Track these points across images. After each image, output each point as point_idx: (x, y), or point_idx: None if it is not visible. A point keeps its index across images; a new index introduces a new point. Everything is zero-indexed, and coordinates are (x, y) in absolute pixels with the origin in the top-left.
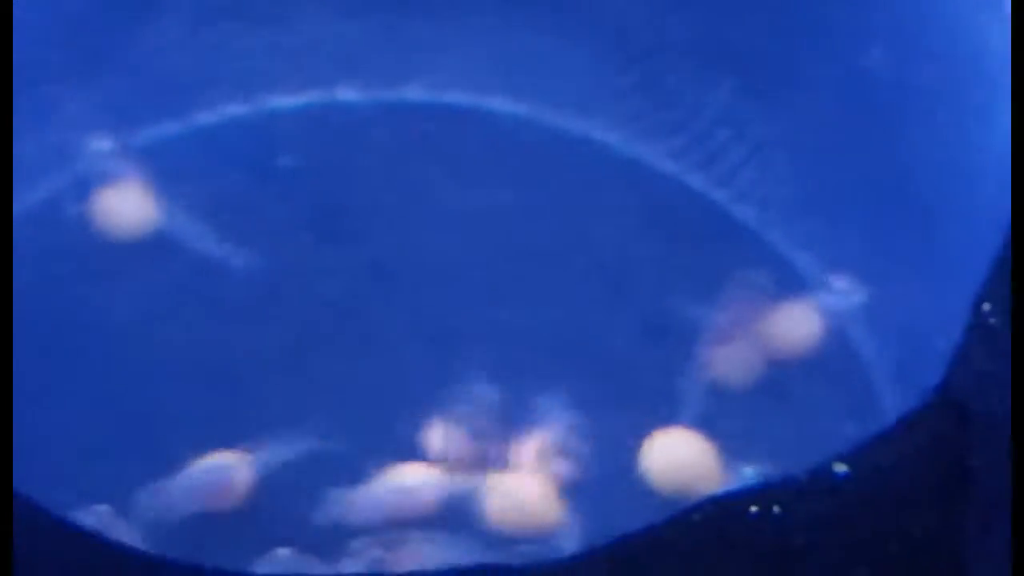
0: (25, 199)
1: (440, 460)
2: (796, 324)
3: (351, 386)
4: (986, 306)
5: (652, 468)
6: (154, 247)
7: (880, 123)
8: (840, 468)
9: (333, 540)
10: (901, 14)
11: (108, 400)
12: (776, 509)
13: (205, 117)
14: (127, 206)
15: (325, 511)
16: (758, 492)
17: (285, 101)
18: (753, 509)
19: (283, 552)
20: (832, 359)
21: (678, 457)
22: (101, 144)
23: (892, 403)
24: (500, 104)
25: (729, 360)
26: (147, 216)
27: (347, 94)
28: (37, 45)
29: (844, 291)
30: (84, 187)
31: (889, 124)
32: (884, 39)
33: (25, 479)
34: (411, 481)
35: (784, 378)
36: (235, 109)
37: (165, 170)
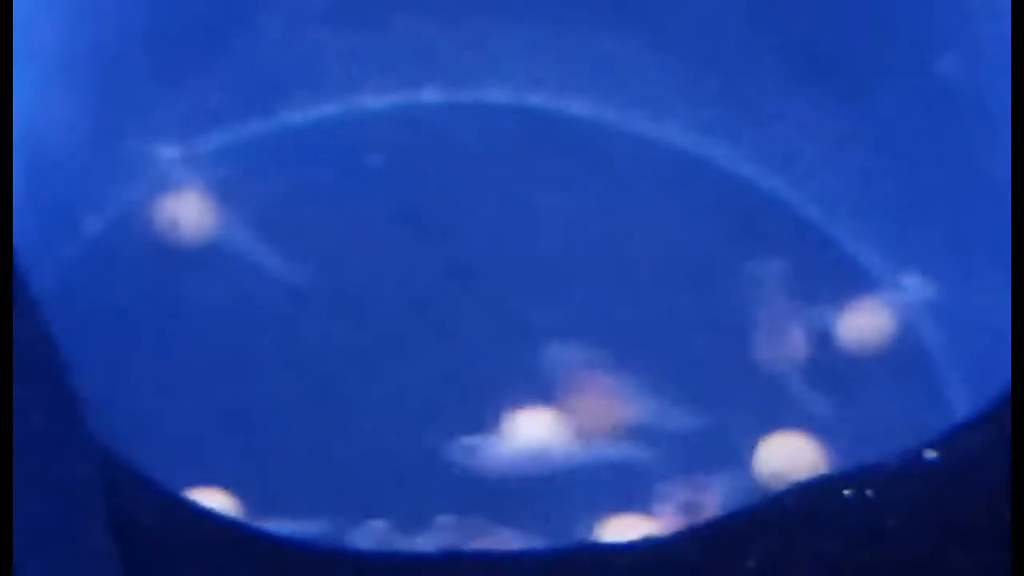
0: (119, 199)
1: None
2: (866, 321)
3: (434, 379)
4: None
5: (766, 471)
6: (238, 243)
7: (954, 125)
8: (930, 454)
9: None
10: (975, 20)
11: (203, 391)
12: (869, 493)
13: (294, 117)
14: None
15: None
16: (851, 476)
17: (372, 102)
18: (846, 492)
19: (377, 524)
20: (902, 356)
21: (793, 461)
22: (188, 146)
23: (960, 400)
24: (579, 107)
25: (780, 352)
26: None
27: (431, 96)
28: (129, 47)
29: (915, 289)
30: (172, 187)
31: (964, 128)
32: (959, 45)
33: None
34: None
35: (854, 374)
36: (324, 110)
37: (255, 166)
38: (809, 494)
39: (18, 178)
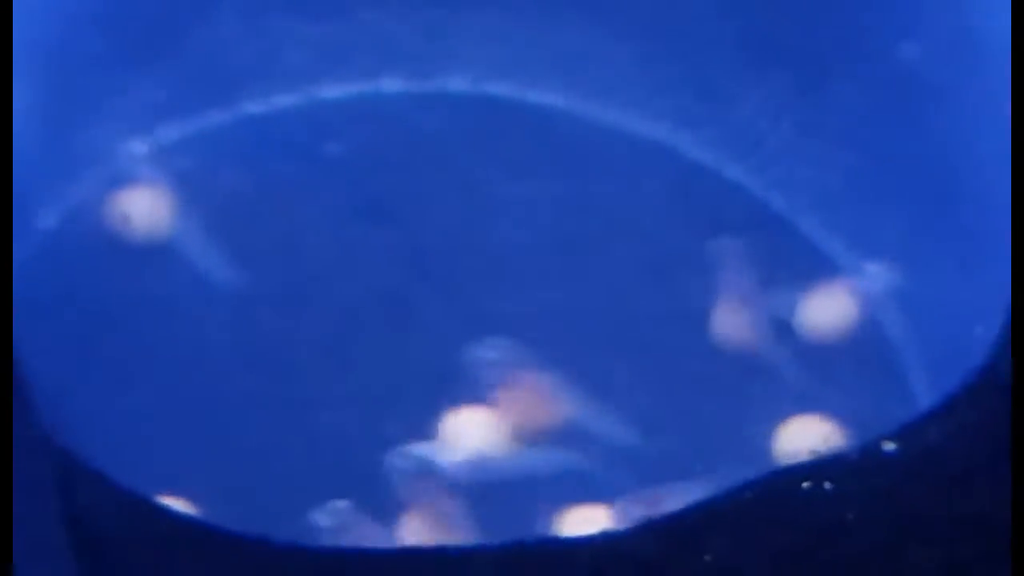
0: (73, 194)
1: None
2: (828, 309)
3: (392, 370)
4: None
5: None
6: (196, 236)
7: (917, 114)
8: (889, 446)
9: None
10: (935, 8)
11: (158, 386)
12: (828, 485)
13: (254, 106)
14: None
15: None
16: (810, 468)
17: (332, 91)
18: (805, 485)
19: (341, 504)
20: (864, 344)
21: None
22: (144, 138)
23: (923, 389)
24: (541, 96)
25: (741, 337)
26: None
27: (392, 85)
28: (85, 36)
29: (877, 277)
30: (128, 180)
31: (926, 115)
32: (919, 33)
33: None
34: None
35: (816, 361)
36: (283, 100)
37: (215, 156)
38: (767, 487)
39: None
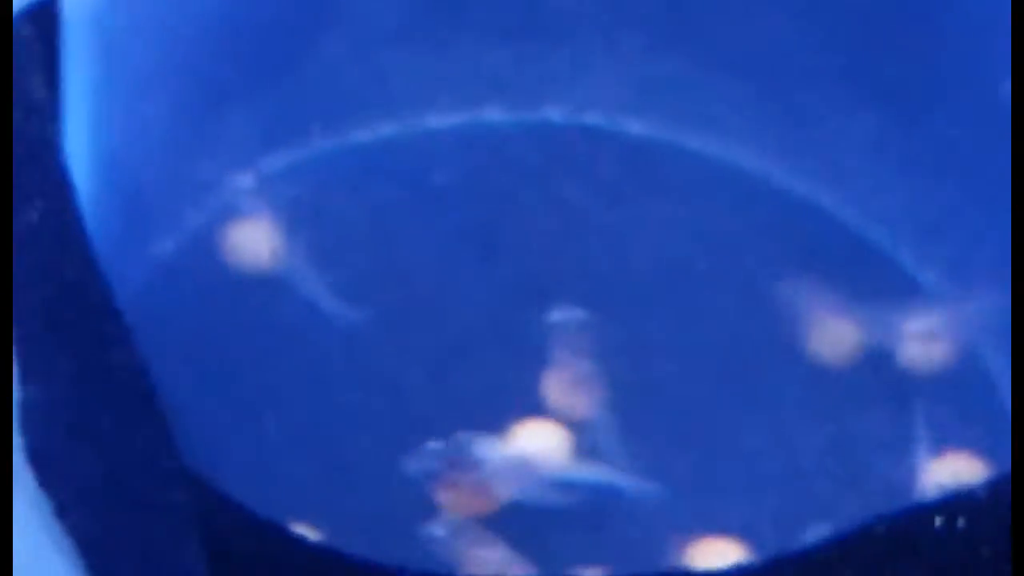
0: (189, 223)
1: None
2: (923, 340)
3: (499, 396)
4: None
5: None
6: (306, 264)
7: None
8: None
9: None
10: None
11: (275, 412)
12: (961, 522)
13: (361, 135)
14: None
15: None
16: (942, 505)
17: (437, 121)
18: (938, 521)
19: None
20: (963, 376)
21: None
22: (256, 169)
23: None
24: (636, 126)
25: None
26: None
27: (494, 115)
28: (200, 71)
29: (977, 311)
30: (240, 211)
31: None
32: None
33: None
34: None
35: (912, 391)
36: (390, 129)
37: (322, 187)
38: (899, 523)
39: (97, 198)
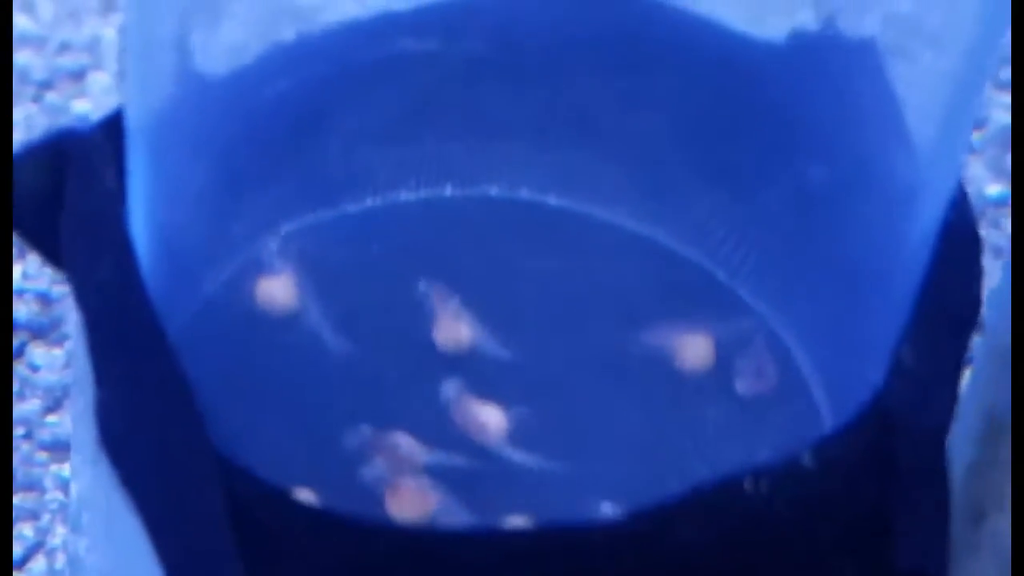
0: (223, 272)
1: None
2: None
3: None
4: (904, 349)
5: None
6: (313, 303)
7: (825, 217)
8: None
9: None
10: (835, 141)
11: (288, 405)
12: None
13: (351, 208)
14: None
15: None
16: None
17: (408, 196)
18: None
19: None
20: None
21: None
22: (275, 229)
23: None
24: (554, 200)
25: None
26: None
27: (448, 192)
28: (233, 154)
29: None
30: (264, 261)
31: (833, 219)
32: (824, 158)
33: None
34: None
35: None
36: (373, 202)
37: (324, 244)
38: (723, 486)
39: (151, 257)
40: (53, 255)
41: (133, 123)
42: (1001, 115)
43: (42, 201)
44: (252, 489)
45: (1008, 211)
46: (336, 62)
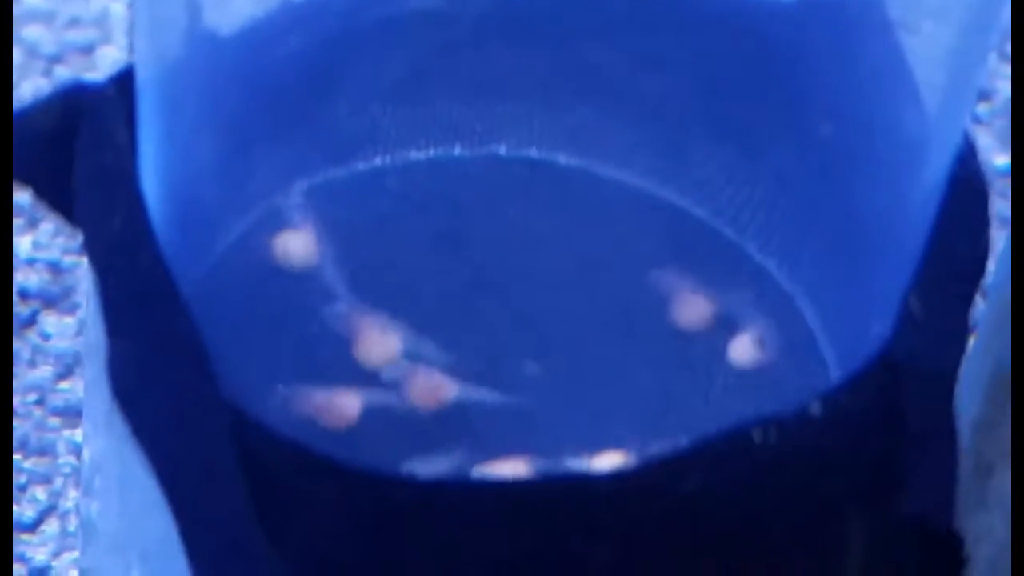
0: (238, 228)
1: None
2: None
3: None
4: (912, 299)
5: None
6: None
7: (833, 173)
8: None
9: None
10: (843, 98)
11: (300, 359)
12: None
13: (361, 166)
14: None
15: None
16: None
17: (416, 155)
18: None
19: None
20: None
21: None
22: (288, 189)
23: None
24: (563, 159)
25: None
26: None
27: (459, 151)
28: (246, 114)
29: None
30: (277, 218)
31: (842, 175)
32: (832, 115)
33: None
34: None
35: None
36: (383, 161)
37: (334, 202)
38: (728, 435)
39: (163, 212)
40: (64, 208)
41: (144, 80)
42: (1008, 87)
43: (53, 152)
44: (265, 441)
45: None
46: (346, 21)
